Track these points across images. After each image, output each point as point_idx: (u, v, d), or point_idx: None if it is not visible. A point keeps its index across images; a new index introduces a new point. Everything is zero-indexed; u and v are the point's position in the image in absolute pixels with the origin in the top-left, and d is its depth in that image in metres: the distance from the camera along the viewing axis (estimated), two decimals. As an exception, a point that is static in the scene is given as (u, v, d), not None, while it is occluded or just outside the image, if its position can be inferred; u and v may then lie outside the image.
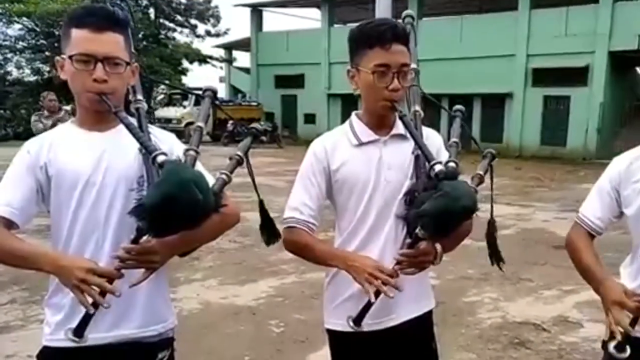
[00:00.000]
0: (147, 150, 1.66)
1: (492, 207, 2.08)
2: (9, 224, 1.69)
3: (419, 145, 1.91)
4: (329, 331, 2.11)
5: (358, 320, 1.93)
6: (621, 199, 2.03)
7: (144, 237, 1.62)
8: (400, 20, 2.16)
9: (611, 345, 1.90)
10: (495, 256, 2.15)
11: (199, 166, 1.74)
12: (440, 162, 1.85)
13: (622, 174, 2.03)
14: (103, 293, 1.59)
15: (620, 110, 22.80)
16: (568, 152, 22.05)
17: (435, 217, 1.72)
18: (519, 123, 23.35)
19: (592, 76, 21.59)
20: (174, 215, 1.53)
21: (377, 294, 1.82)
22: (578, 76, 21.68)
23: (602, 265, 2.01)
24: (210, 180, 1.70)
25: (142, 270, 1.67)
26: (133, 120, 1.78)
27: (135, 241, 1.61)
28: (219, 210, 1.68)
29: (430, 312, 2.14)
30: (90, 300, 1.58)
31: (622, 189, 2.03)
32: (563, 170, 18.09)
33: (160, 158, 1.61)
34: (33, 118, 8.57)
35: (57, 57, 1.78)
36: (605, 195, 2.07)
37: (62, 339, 1.72)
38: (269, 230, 2.05)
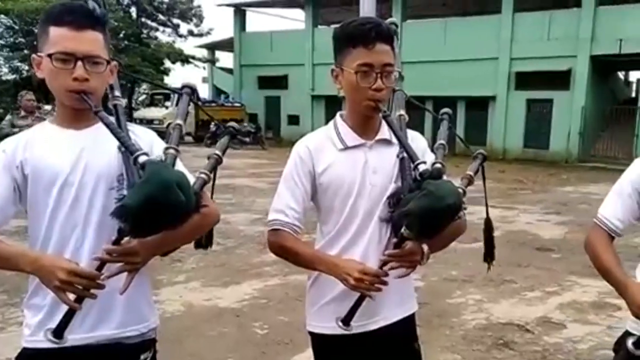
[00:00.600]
0: (129, 150, 1.64)
1: (487, 205, 2.10)
2: None
3: (403, 145, 1.90)
4: (312, 334, 2.10)
5: (346, 320, 1.92)
6: None
7: (125, 239, 1.59)
8: None
9: (629, 342, 1.94)
10: (490, 255, 2.17)
11: (179, 165, 1.71)
12: (424, 162, 1.84)
13: None
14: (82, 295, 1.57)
15: (602, 114, 23.04)
16: (550, 155, 22.23)
17: (420, 216, 1.71)
18: (502, 126, 23.50)
19: (575, 80, 21.78)
20: (156, 216, 1.51)
21: (364, 296, 1.83)
22: (560, 80, 21.86)
23: (622, 267, 2.02)
24: (191, 179, 1.68)
25: (125, 273, 1.64)
26: (113, 119, 1.76)
27: (116, 242, 1.58)
28: (200, 210, 1.66)
29: (413, 315, 2.14)
30: (72, 298, 1.57)
31: None
32: (546, 173, 18.26)
33: (142, 158, 1.58)
34: (6, 118, 8.47)
35: (34, 55, 1.75)
36: (626, 197, 2.07)
37: (41, 340, 1.69)
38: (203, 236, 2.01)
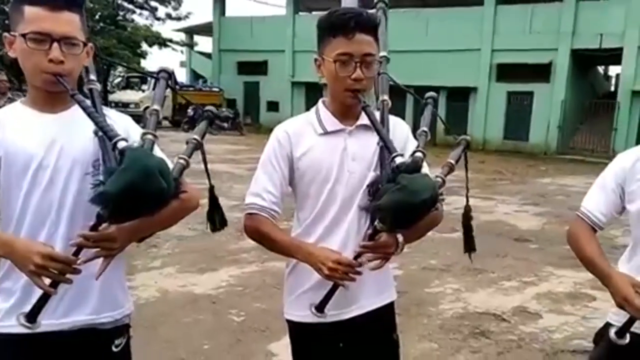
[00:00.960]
0: (107, 136, 1.61)
1: (467, 194, 2.07)
2: None
3: (382, 136, 1.88)
4: (289, 322, 2.08)
5: (320, 307, 1.90)
6: (625, 195, 2.05)
7: (103, 225, 1.56)
8: (373, 8, 2.11)
9: (612, 331, 1.95)
10: (470, 244, 2.15)
11: (157, 150, 1.68)
12: (401, 155, 1.81)
13: (627, 170, 2.04)
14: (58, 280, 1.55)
15: (581, 108, 23.27)
16: (530, 147, 22.42)
17: (392, 210, 1.69)
18: (483, 117, 23.62)
19: (555, 73, 21.97)
20: (137, 203, 1.49)
21: (338, 285, 1.82)
22: (541, 73, 22.04)
23: (606, 258, 2.02)
24: (170, 165, 1.65)
25: (101, 259, 1.61)
26: (89, 103, 1.72)
27: (94, 228, 1.55)
28: (179, 196, 1.63)
29: (392, 304, 2.12)
30: (47, 282, 1.54)
31: (626, 185, 2.04)
32: (525, 164, 18.43)
33: (121, 144, 1.56)
34: None
35: (6, 34, 1.69)
36: (609, 191, 2.07)
37: (13, 325, 1.65)
38: (217, 217, 1.98)
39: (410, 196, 1.66)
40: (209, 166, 1.87)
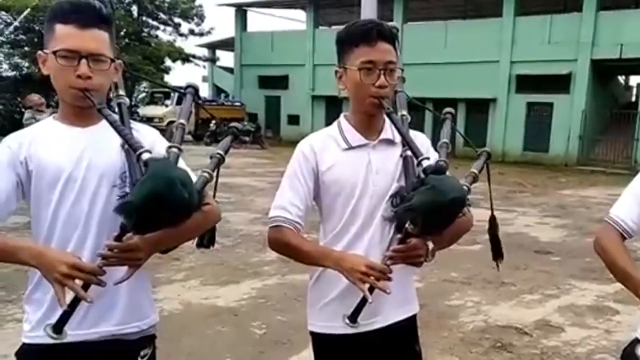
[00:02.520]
0: (132, 148, 1.65)
1: (491, 203, 2.08)
2: None
3: (407, 141, 1.91)
4: (313, 334, 2.08)
5: (353, 317, 1.90)
6: None
7: (127, 235, 1.59)
8: None
9: (639, 350, 1.90)
10: (497, 252, 2.16)
11: (181, 164, 1.72)
12: (428, 158, 1.85)
13: None
14: (86, 287, 1.58)
15: (602, 118, 23.08)
16: (550, 158, 22.27)
17: (423, 210, 1.71)
18: (502, 129, 23.53)
19: (575, 84, 21.83)
20: (160, 213, 1.52)
21: (371, 290, 1.80)
22: (561, 83, 21.93)
23: (637, 267, 1.94)
24: (193, 177, 1.69)
25: (125, 268, 1.65)
26: (117, 117, 1.77)
27: (118, 238, 1.59)
28: (202, 209, 1.67)
29: (414, 316, 2.14)
30: (69, 297, 1.56)
31: None
32: (545, 176, 18.28)
33: (145, 155, 1.59)
34: (28, 112, 8.61)
35: (40, 52, 1.76)
36: None
37: (41, 336, 1.68)
38: (207, 234, 2.03)
39: (440, 196, 1.68)
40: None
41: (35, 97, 8.78)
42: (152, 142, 1.82)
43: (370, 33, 1.87)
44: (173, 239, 1.78)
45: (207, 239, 2.03)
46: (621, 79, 28.79)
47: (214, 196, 1.91)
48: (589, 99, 21.81)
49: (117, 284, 1.65)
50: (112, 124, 1.69)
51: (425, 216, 1.72)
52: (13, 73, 28.10)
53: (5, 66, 28.42)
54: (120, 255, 1.61)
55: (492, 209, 2.11)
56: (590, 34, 21.26)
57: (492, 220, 2.15)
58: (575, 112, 21.74)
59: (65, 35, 1.68)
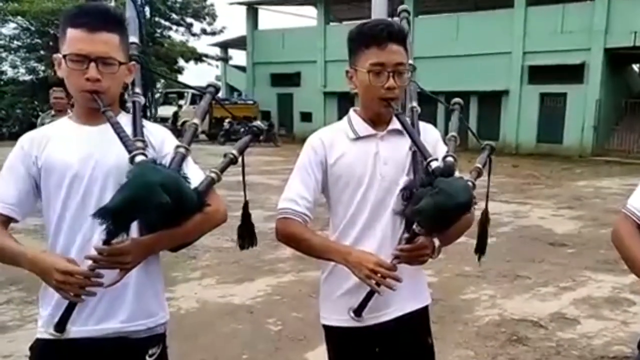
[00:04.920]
0: (127, 149, 1.68)
1: (487, 198, 2.08)
2: (7, 220, 1.76)
3: (415, 142, 1.93)
4: (326, 327, 2.11)
5: (359, 311, 1.94)
6: None
7: (117, 238, 1.62)
8: (396, 17, 2.17)
9: None
10: (480, 247, 2.16)
11: (189, 163, 1.76)
12: (436, 159, 1.86)
13: None
14: (82, 288, 1.64)
15: (616, 108, 22.83)
16: (564, 149, 22.08)
17: (432, 214, 1.73)
18: (515, 120, 23.38)
19: (589, 73, 21.61)
20: (136, 217, 1.58)
21: (378, 286, 1.84)
22: (574, 73, 21.71)
23: None
24: (199, 179, 1.73)
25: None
26: (127, 117, 1.83)
27: (106, 242, 1.61)
28: (203, 210, 1.69)
29: (426, 308, 2.15)
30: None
31: None
32: (559, 167, 18.15)
33: (138, 158, 1.64)
34: (41, 116, 8.27)
35: (55, 55, 1.80)
36: None
37: (49, 332, 1.76)
38: (248, 234, 2.08)
39: (448, 199, 1.71)
40: (240, 178, 1.92)
41: (54, 98, 7.55)
42: (161, 141, 1.86)
43: (381, 35, 1.89)
44: (168, 242, 1.79)
45: (247, 240, 2.11)
46: (635, 67, 28.45)
47: (245, 197, 1.96)
48: (603, 89, 21.58)
49: (108, 287, 1.67)
50: (113, 125, 1.73)
51: (434, 219, 1.75)
52: (30, 77, 28.44)
53: (22, 70, 28.79)
54: (108, 259, 1.63)
55: (486, 204, 2.09)
56: (603, 23, 21.02)
57: (484, 215, 2.14)
58: (589, 102, 21.54)
59: (75, 39, 1.72)
